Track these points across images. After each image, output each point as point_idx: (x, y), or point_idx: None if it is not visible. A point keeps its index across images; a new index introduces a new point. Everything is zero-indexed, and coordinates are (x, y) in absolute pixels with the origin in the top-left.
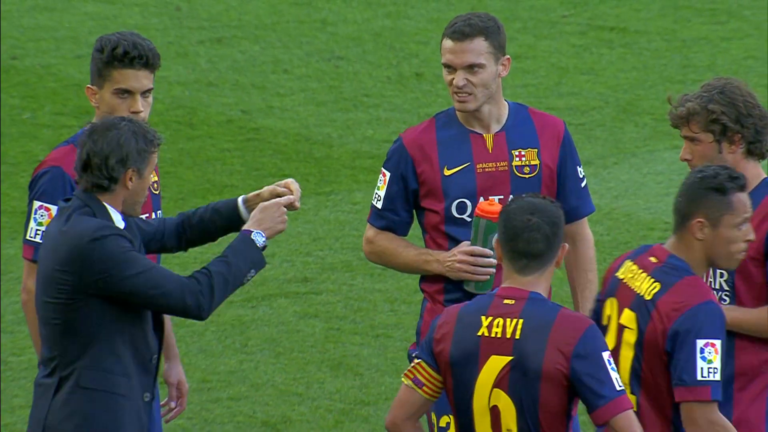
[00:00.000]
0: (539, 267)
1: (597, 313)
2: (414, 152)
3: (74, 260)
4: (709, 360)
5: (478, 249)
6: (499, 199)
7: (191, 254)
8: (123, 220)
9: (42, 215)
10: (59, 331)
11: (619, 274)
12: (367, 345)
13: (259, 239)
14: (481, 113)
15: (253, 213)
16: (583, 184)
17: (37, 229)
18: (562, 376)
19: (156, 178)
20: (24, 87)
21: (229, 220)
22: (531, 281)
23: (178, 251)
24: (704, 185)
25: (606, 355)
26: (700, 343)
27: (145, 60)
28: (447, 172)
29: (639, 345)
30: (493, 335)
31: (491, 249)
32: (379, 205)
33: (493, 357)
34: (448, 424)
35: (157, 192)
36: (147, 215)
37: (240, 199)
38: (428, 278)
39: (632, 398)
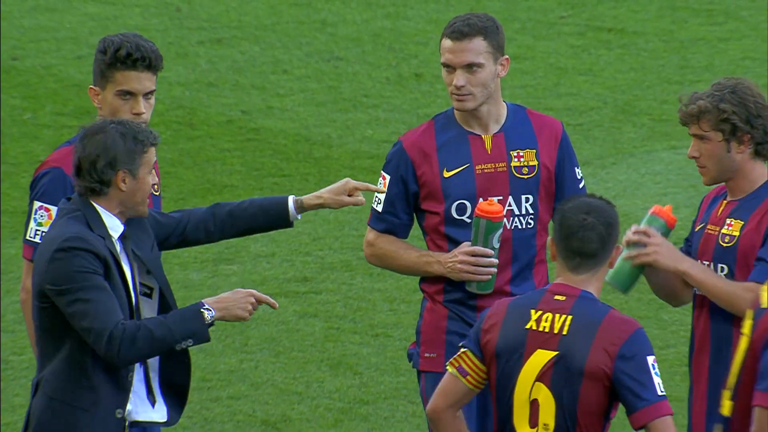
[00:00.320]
0: (592, 266)
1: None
2: (413, 155)
3: (42, 265)
4: None
5: (479, 249)
6: (498, 199)
7: (191, 254)
8: (122, 224)
9: (42, 216)
10: (38, 333)
11: None
12: (366, 344)
13: (208, 315)
14: (480, 113)
15: (223, 293)
16: (581, 185)
17: (36, 230)
18: (605, 376)
19: (157, 179)
20: (25, 87)
21: (277, 219)
22: (583, 280)
23: (207, 243)
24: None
25: (651, 359)
26: None
27: (148, 62)
28: (446, 174)
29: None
30: (540, 329)
31: (492, 249)
32: (379, 208)
33: (539, 351)
34: None
35: (157, 193)
36: None
37: (291, 201)
38: (428, 278)
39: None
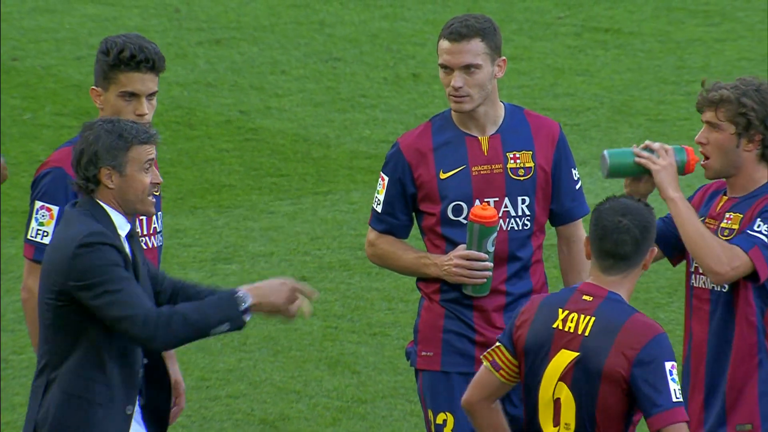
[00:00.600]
0: (624, 269)
1: None
2: (410, 157)
3: (63, 263)
4: None
5: (473, 253)
6: (494, 201)
7: (190, 253)
8: (128, 222)
9: (43, 215)
10: (51, 332)
11: None
12: (364, 343)
13: (244, 301)
14: (477, 114)
15: (258, 282)
16: (577, 186)
17: (38, 229)
18: (622, 379)
19: (160, 179)
20: (24, 88)
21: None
22: (614, 281)
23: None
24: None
25: (669, 365)
26: None
27: (152, 63)
28: (443, 176)
29: None
30: (566, 329)
31: (486, 252)
32: (378, 209)
33: (563, 351)
34: (444, 421)
35: (157, 193)
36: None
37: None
38: (425, 278)
39: None
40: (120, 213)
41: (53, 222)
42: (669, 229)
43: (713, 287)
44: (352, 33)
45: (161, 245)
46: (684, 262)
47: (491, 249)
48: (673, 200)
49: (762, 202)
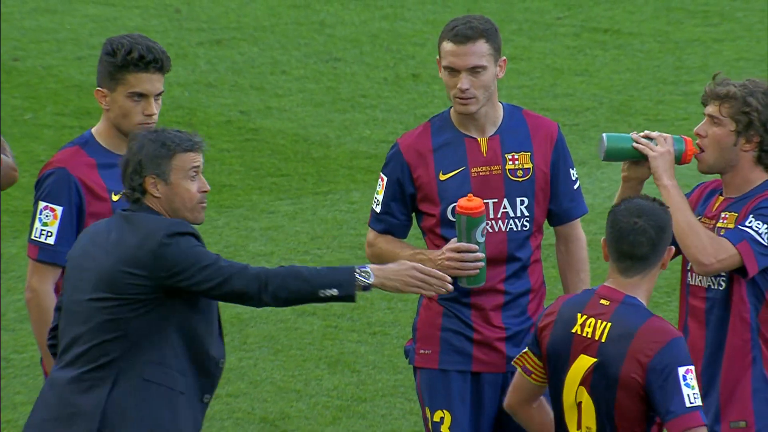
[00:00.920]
0: (642, 269)
1: None
2: (410, 158)
3: (147, 257)
4: None
5: (463, 245)
6: (493, 202)
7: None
8: None
9: (47, 215)
10: (115, 327)
11: None
12: (364, 342)
13: (365, 276)
14: (478, 115)
15: (391, 263)
16: (575, 186)
17: (42, 230)
18: (639, 385)
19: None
20: (25, 88)
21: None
22: (632, 283)
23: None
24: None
25: (683, 370)
26: None
27: (160, 64)
28: (442, 177)
29: None
30: (584, 335)
31: (476, 243)
32: (378, 209)
33: (582, 356)
34: (442, 419)
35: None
36: None
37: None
38: None
39: None
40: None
41: (57, 222)
42: None
43: (709, 285)
44: (353, 33)
45: None
46: (679, 260)
47: (481, 239)
48: (666, 187)
49: (756, 200)
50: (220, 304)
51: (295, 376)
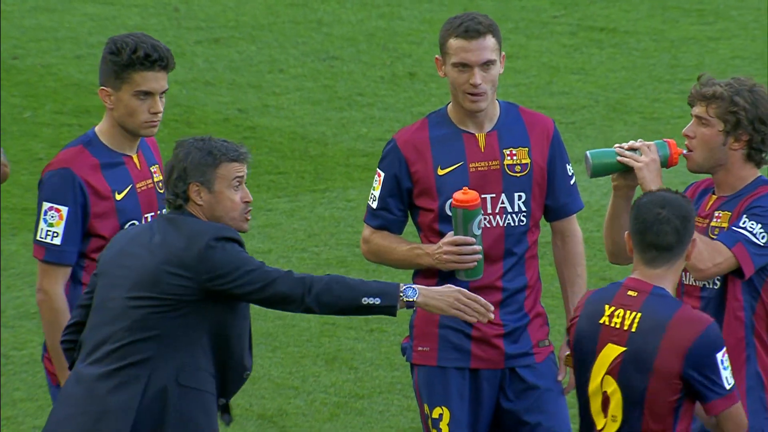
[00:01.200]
0: (668, 260)
1: None
2: (407, 153)
3: (192, 258)
4: None
5: (460, 238)
6: (491, 197)
7: None
8: None
9: (52, 216)
10: (151, 326)
11: None
12: (361, 339)
13: (409, 292)
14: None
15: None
16: (572, 182)
17: (47, 230)
18: (674, 374)
19: (162, 177)
20: (25, 86)
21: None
22: (659, 274)
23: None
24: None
25: (720, 354)
26: None
27: (165, 62)
28: (440, 172)
29: None
30: (612, 324)
31: (473, 236)
32: (374, 205)
33: (610, 345)
34: (440, 415)
35: (162, 191)
36: (153, 213)
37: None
38: (421, 273)
39: None
40: None
41: (62, 223)
42: None
43: (704, 285)
44: (350, 32)
45: None
46: None
47: (478, 232)
48: None
49: (748, 200)
50: None
51: (293, 373)
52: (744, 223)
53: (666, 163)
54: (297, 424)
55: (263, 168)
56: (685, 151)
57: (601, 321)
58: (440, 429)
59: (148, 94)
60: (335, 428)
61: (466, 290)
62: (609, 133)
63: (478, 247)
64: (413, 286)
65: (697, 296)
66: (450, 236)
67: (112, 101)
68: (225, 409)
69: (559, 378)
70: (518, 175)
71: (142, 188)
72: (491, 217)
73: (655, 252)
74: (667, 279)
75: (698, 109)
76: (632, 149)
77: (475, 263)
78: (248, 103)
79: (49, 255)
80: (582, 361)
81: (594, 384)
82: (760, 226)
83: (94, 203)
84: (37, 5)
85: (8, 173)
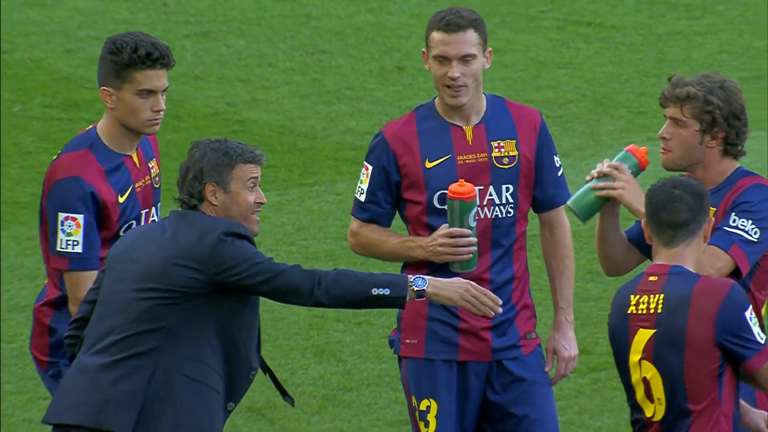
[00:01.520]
0: (685, 237)
1: None
2: (395, 146)
3: (203, 251)
4: None
5: (456, 230)
6: (479, 189)
7: None
8: None
9: (70, 225)
10: (156, 318)
11: None
12: (349, 332)
13: (419, 282)
14: (464, 105)
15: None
16: (559, 173)
17: (67, 240)
18: (708, 343)
19: (158, 171)
20: (14, 80)
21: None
22: (677, 253)
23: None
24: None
25: (747, 313)
26: None
27: (166, 60)
28: (429, 165)
29: None
30: (639, 312)
31: (468, 228)
32: (362, 198)
33: (640, 330)
34: (428, 407)
35: (158, 186)
36: (147, 210)
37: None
38: (409, 266)
39: None
40: None
41: (81, 230)
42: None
43: None
44: (338, 26)
45: None
46: None
47: (473, 224)
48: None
49: (732, 195)
50: None
51: (282, 366)
52: (734, 222)
53: (639, 170)
54: (285, 417)
55: None
56: (648, 148)
57: (629, 311)
58: (428, 421)
59: (150, 92)
60: (323, 420)
61: (476, 284)
62: (596, 127)
63: (474, 239)
64: (422, 276)
65: None
66: (445, 228)
67: (114, 101)
68: (284, 392)
69: (546, 369)
70: (506, 167)
71: (140, 187)
72: (479, 209)
73: (671, 231)
74: (685, 257)
75: (672, 111)
76: (604, 176)
77: (471, 255)
78: (237, 96)
79: (73, 264)
80: (620, 355)
81: (635, 372)
82: (751, 222)
83: (103, 209)
84: (27, 0)
85: None
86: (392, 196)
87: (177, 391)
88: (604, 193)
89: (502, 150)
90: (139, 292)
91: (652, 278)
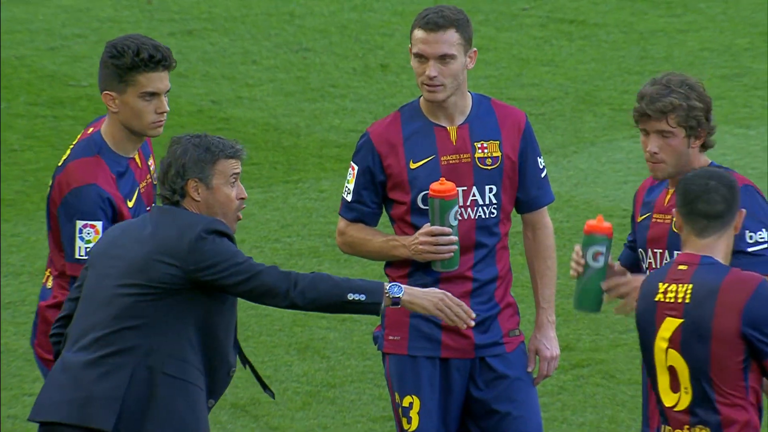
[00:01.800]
0: (718, 229)
1: None
2: (380, 147)
3: (182, 248)
4: None
5: (437, 229)
6: (463, 190)
7: None
8: None
9: (89, 233)
10: (138, 314)
11: None
12: (333, 329)
13: (394, 290)
14: (447, 104)
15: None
16: (543, 175)
17: (86, 248)
18: (734, 335)
19: (156, 168)
20: None
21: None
22: (709, 244)
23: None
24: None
25: None
26: None
27: (168, 62)
28: (413, 166)
29: None
30: (667, 300)
31: (449, 226)
32: (348, 198)
33: (668, 319)
34: (411, 404)
35: (156, 183)
36: (149, 208)
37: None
38: (393, 264)
39: None
40: None
41: (99, 237)
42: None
43: None
44: (322, 24)
45: None
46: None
47: (454, 223)
48: None
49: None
50: None
51: (265, 362)
52: (752, 239)
53: (611, 241)
54: (269, 413)
55: None
56: (602, 215)
57: (656, 299)
58: (410, 417)
59: (153, 94)
60: (307, 417)
61: (451, 294)
62: (578, 124)
63: (455, 238)
64: (398, 284)
65: None
66: (426, 227)
67: (117, 105)
68: (265, 385)
69: (529, 369)
70: (489, 168)
71: (144, 187)
72: (463, 209)
73: (705, 221)
74: (717, 248)
75: (656, 125)
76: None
77: (452, 254)
78: (221, 94)
79: None
80: (645, 341)
81: (660, 361)
82: (765, 229)
83: (118, 214)
84: None
85: None
86: (378, 196)
87: (160, 388)
88: (625, 311)
89: (485, 151)
90: (122, 288)
91: (681, 267)
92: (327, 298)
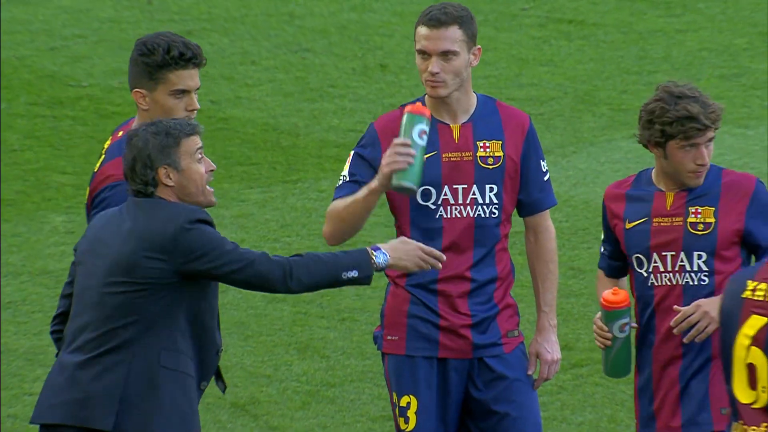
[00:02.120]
0: None
1: None
2: (384, 139)
3: (168, 242)
4: None
5: (399, 140)
6: (463, 188)
7: None
8: None
9: None
10: (128, 312)
11: None
12: (333, 328)
13: (378, 258)
14: (450, 101)
15: (394, 240)
16: (545, 178)
17: None
18: None
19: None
20: None
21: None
22: None
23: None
24: None
25: None
26: None
27: (198, 59)
28: None
29: None
30: (755, 297)
31: (413, 142)
32: (345, 179)
33: (754, 316)
34: (408, 404)
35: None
36: None
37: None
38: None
39: None
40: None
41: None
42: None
43: (687, 282)
44: (321, 24)
45: None
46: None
47: (418, 141)
48: None
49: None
50: None
51: (265, 362)
52: None
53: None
54: (269, 412)
55: (235, 159)
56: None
57: (744, 295)
58: (408, 417)
59: (184, 92)
60: (307, 416)
61: (423, 245)
62: (577, 124)
63: (413, 151)
64: (380, 248)
65: (679, 294)
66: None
67: (147, 102)
68: (218, 377)
69: (529, 372)
70: (490, 167)
71: None
72: (461, 207)
73: None
74: None
75: (710, 133)
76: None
77: (407, 165)
78: (221, 94)
79: None
80: (726, 338)
81: (739, 357)
82: None
83: None
84: None
85: None
86: (374, 173)
87: (157, 383)
88: (699, 338)
89: (487, 150)
90: (109, 287)
91: None
92: (322, 279)
